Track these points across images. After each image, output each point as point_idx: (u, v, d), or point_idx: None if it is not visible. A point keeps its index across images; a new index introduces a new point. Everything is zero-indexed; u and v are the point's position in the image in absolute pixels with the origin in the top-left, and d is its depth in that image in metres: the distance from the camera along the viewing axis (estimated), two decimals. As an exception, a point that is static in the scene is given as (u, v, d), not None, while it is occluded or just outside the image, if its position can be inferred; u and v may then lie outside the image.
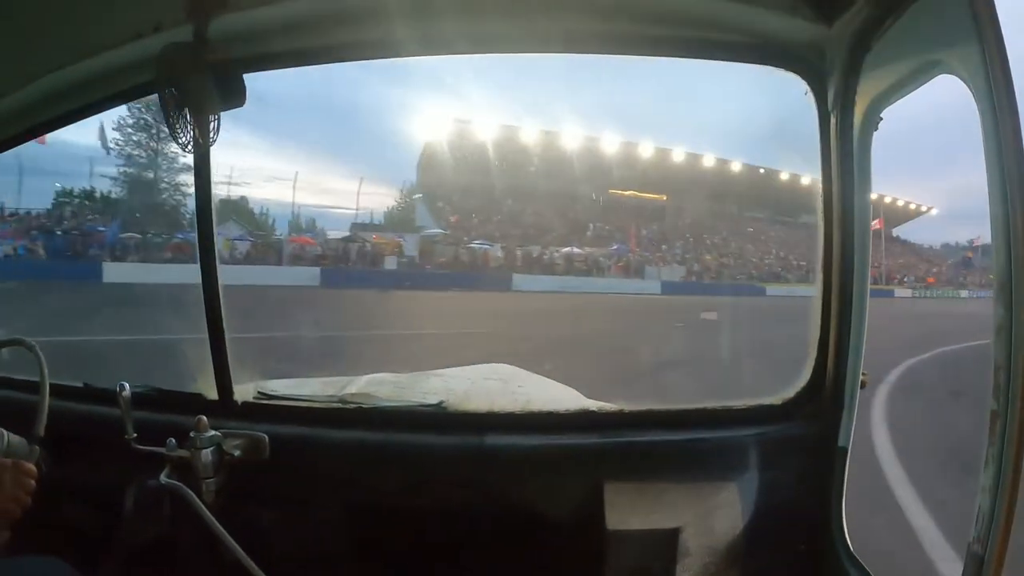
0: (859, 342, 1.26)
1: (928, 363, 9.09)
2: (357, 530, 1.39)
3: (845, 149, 1.21)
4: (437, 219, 26.03)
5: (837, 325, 1.27)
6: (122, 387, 1.31)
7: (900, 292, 30.03)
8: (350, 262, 21.11)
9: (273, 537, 1.34)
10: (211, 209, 1.43)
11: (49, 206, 20.77)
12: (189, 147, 1.28)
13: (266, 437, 1.35)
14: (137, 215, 21.87)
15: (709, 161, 29.29)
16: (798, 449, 1.33)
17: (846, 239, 1.24)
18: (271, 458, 1.34)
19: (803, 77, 1.26)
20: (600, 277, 23.38)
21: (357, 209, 26.01)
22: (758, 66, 1.29)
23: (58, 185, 21.32)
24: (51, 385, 1.31)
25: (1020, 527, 0.76)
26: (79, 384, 1.54)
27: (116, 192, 23.48)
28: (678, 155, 28.93)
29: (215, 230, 1.44)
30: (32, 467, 1.17)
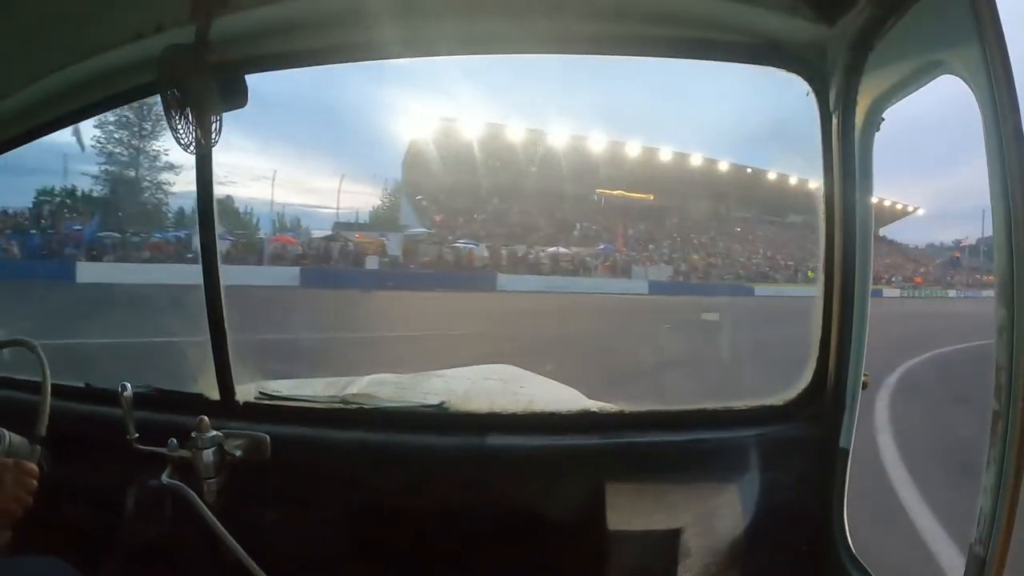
0: (860, 343, 1.27)
1: (927, 366, 8.91)
2: (358, 530, 1.39)
3: (847, 150, 1.21)
4: (422, 218, 25.87)
5: (839, 326, 1.27)
6: (124, 387, 1.31)
7: (888, 292, 30.16)
8: (332, 261, 20.86)
9: (274, 537, 1.33)
10: (213, 210, 1.43)
11: (30, 205, 20.40)
12: (191, 148, 1.28)
13: (268, 437, 1.35)
14: (119, 214, 21.55)
15: (697, 160, 29.23)
16: (799, 450, 1.33)
17: (848, 240, 1.24)
18: (273, 458, 1.34)
19: (804, 77, 1.26)
20: (587, 277, 23.29)
21: (338, 208, 25.82)
22: (753, 66, 1.29)
23: (40, 184, 20.96)
24: (52, 385, 1.31)
25: (1022, 528, 0.75)
26: (81, 384, 1.54)
27: (97, 190, 23.14)
28: (666, 154, 28.85)
29: (216, 231, 1.44)
30: (34, 467, 1.18)
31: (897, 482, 4.03)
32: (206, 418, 1.31)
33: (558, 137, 26.53)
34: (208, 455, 1.29)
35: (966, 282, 35.63)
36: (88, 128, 21.88)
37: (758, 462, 1.31)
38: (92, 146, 22.14)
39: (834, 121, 1.23)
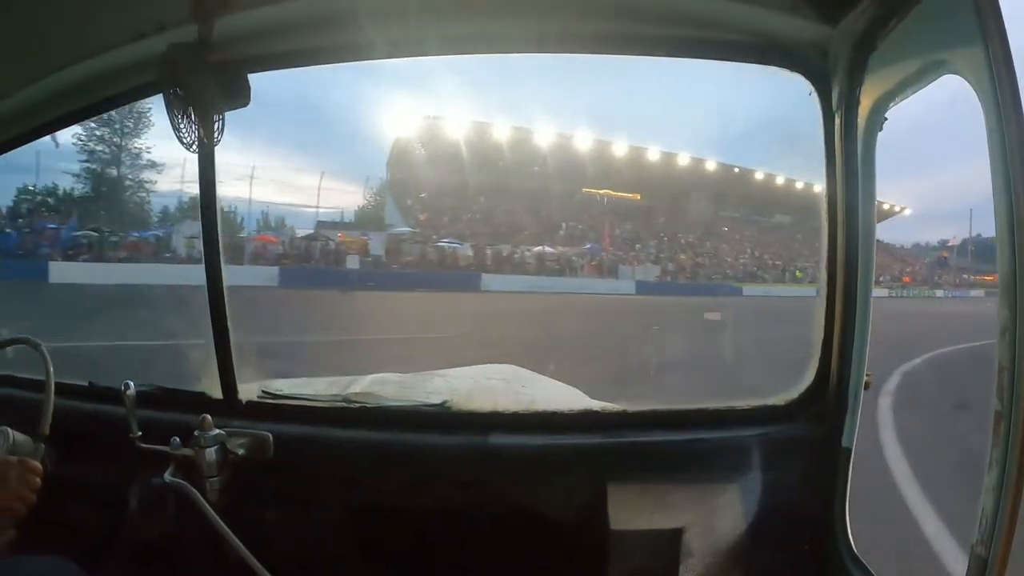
0: (863, 342, 1.27)
1: (924, 369, 8.64)
2: (361, 529, 1.39)
3: (849, 149, 1.21)
4: (406, 217, 25.67)
5: (841, 325, 1.28)
6: (127, 386, 1.32)
7: (877, 292, 29.86)
8: (313, 261, 20.63)
9: (277, 536, 1.34)
10: (216, 209, 1.43)
11: (9, 203, 20.08)
12: (194, 147, 1.28)
13: (270, 436, 1.35)
14: (102, 213, 21.26)
15: (684, 160, 29.16)
16: (802, 450, 1.33)
17: (850, 239, 1.24)
18: (275, 457, 1.35)
19: (806, 77, 1.26)
20: (573, 277, 23.21)
21: (318, 207, 25.51)
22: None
23: (21, 182, 20.63)
24: (56, 384, 1.31)
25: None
26: (84, 383, 1.54)
27: (79, 189, 22.82)
28: (653, 154, 28.77)
29: (219, 230, 1.44)
30: (37, 465, 1.19)
31: (931, 534, 3.33)
32: (209, 417, 1.31)
33: (545, 136, 26.51)
34: (211, 454, 1.30)
35: (953, 282, 35.83)
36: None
37: (760, 462, 1.31)
38: (73, 143, 21.76)
39: (836, 121, 1.23)
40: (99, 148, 23.04)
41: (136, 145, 23.34)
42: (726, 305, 19.52)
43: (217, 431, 1.32)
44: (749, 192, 30.98)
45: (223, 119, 1.29)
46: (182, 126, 1.24)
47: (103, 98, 1.45)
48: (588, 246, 25.75)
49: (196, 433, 1.30)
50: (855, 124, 1.19)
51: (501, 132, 26.15)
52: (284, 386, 1.57)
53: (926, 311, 20.03)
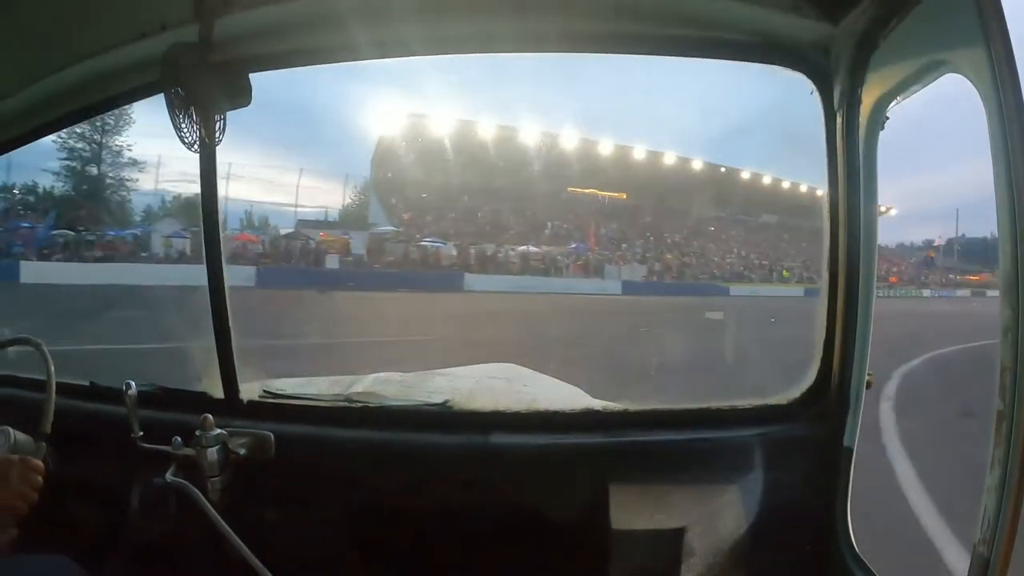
0: (865, 342, 1.27)
1: (922, 372, 8.43)
2: (363, 529, 1.39)
3: (851, 148, 1.21)
4: (390, 216, 25.48)
5: (843, 324, 1.28)
6: (128, 386, 1.32)
7: (865, 292, 30.32)
8: (292, 260, 20.39)
9: (279, 536, 1.34)
10: (217, 209, 1.43)
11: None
12: (195, 147, 1.29)
13: (272, 436, 1.34)
14: (81, 212, 20.92)
15: (671, 159, 29.08)
16: (803, 449, 1.33)
17: (852, 239, 1.24)
18: (277, 457, 1.34)
19: (808, 76, 1.26)
20: (558, 277, 23.10)
21: (300, 205, 25.29)
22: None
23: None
24: (57, 383, 1.31)
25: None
26: (85, 383, 1.54)
27: (59, 187, 22.47)
28: (639, 153, 28.67)
29: (221, 231, 1.44)
30: (39, 464, 1.18)
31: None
32: (210, 416, 1.31)
33: (530, 135, 26.37)
34: (212, 453, 1.30)
35: (940, 282, 36.06)
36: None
37: (762, 461, 1.32)
38: (53, 140, 21.39)
39: (838, 120, 1.23)
40: (79, 145, 22.66)
41: (118, 143, 22.99)
42: (714, 305, 19.42)
43: (219, 431, 1.32)
44: (736, 191, 30.96)
45: (224, 119, 1.29)
46: (183, 126, 1.24)
47: (104, 98, 1.45)
48: (574, 245, 25.71)
49: (197, 433, 1.30)
50: (856, 123, 1.19)
51: (487, 131, 26.01)
52: (286, 386, 1.58)
53: (915, 311, 20.01)
